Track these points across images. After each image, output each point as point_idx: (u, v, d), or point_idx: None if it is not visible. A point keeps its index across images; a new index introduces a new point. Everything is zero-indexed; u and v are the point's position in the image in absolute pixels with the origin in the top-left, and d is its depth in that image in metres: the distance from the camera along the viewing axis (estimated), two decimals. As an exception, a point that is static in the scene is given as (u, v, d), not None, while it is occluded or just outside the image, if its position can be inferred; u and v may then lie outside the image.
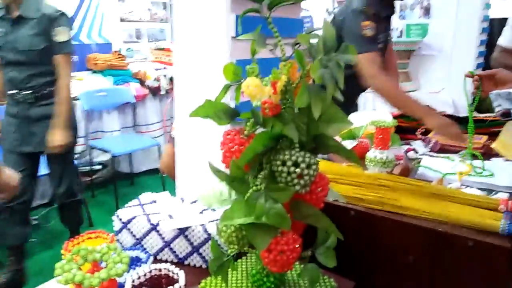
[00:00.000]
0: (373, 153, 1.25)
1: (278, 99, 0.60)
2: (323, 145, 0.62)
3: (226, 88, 0.65)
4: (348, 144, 1.54)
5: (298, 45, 0.60)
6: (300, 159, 0.60)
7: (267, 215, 0.62)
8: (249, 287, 0.83)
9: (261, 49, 0.59)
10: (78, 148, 3.38)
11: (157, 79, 3.82)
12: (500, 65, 2.37)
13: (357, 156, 0.64)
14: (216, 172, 0.65)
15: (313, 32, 0.59)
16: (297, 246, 0.69)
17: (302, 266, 0.78)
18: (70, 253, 0.63)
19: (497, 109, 1.41)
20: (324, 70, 0.55)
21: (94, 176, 3.59)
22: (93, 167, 3.50)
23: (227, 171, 0.67)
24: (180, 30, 1.08)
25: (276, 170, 0.62)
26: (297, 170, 0.60)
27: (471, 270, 0.93)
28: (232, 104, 0.78)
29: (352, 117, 1.93)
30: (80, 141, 3.38)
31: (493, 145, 1.39)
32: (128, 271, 0.78)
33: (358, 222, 1.07)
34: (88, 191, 3.47)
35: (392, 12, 2.00)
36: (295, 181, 0.61)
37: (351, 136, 1.54)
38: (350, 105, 1.93)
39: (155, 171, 3.79)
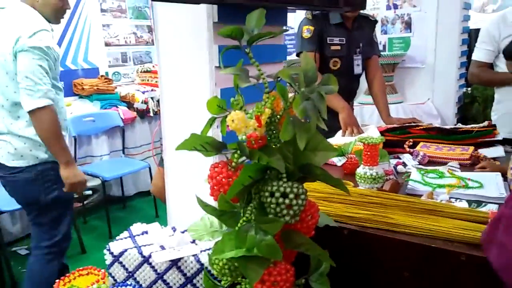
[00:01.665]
0: (362, 170, 1.26)
1: (263, 131, 0.60)
2: (310, 174, 0.63)
3: (211, 121, 0.66)
4: (338, 161, 1.55)
5: (279, 78, 0.61)
6: (288, 189, 0.60)
7: (258, 247, 0.62)
8: (244, 317, 0.82)
9: (244, 84, 0.59)
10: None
11: (145, 101, 3.82)
12: (480, 80, 2.42)
13: (345, 185, 0.65)
14: (205, 206, 0.65)
15: (292, 65, 0.60)
16: (290, 275, 0.68)
17: (296, 293, 0.77)
18: (60, 295, 0.62)
19: None
20: (306, 103, 0.56)
21: (85, 202, 3.55)
22: (84, 192, 3.46)
23: (216, 203, 0.67)
24: (164, 60, 1.09)
25: (265, 201, 0.62)
26: (286, 201, 0.60)
27: (465, 284, 0.93)
28: (219, 134, 0.79)
29: (339, 133, 1.95)
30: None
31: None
32: (120, 309, 0.77)
33: (351, 242, 1.06)
34: (80, 217, 3.43)
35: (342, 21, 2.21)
36: (284, 211, 0.61)
37: (340, 153, 1.55)
38: (336, 120, 1.99)
39: (146, 193, 3.77)
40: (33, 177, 1.89)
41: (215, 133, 0.99)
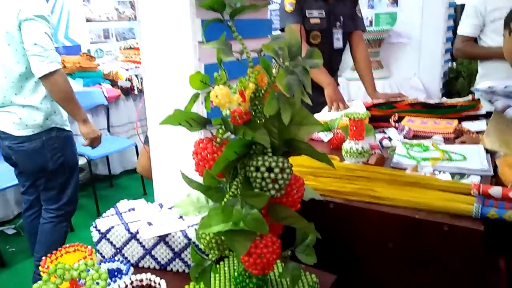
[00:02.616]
0: (348, 145, 1.27)
1: (247, 106, 0.60)
2: (295, 148, 0.63)
3: (195, 97, 0.65)
4: (324, 137, 1.56)
5: (263, 53, 0.60)
6: (273, 164, 0.60)
7: (244, 221, 0.62)
8: (232, 289, 0.84)
9: (227, 58, 0.59)
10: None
11: (129, 79, 3.76)
12: (465, 55, 2.43)
13: (329, 159, 0.65)
14: (190, 182, 0.65)
15: (276, 39, 0.59)
16: (276, 247, 0.69)
17: (283, 265, 0.79)
18: (47, 273, 0.62)
19: (496, 104, 1.38)
20: (290, 77, 0.55)
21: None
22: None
23: (201, 178, 0.67)
24: (146, 35, 1.06)
25: (250, 176, 0.62)
26: (271, 175, 0.61)
27: (448, 253, 0.96)
28: (203, 110, 0.78)
29: (326, 109, 1.96)
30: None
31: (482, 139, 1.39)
32: (109, 284, 0.78)
33: (337, 215, 1.08)
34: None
35: None
36: (270, 185, 0.62)
37: (327, 128, 1.55)
38: (322, 95, 1.99)
39: (133, 171, 3.75)
40: (40, 146, 1.99)
41: (199, 109, 0.98)
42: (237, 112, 0.58)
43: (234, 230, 0.64)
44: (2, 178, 2.60)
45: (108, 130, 3.66)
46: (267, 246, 0.68)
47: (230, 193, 0.66)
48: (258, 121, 0.63)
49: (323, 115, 1.84)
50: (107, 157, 3.62)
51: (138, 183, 3.53)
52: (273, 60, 0.64)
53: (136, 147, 3.48)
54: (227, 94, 0.58)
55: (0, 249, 2.61)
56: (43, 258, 0.84)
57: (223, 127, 0.63)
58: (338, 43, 2.25)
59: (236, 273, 0.84)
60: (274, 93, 0.57)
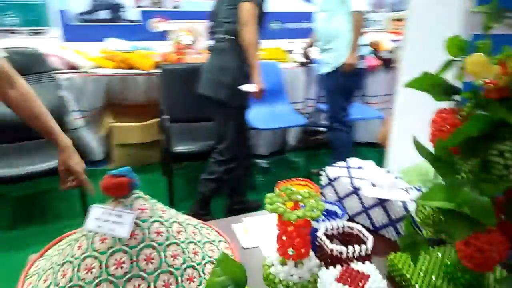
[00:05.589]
0: None
1: (507, 81, 0.53)
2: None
3: (449, 63, 0.61)
4: None
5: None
6: (523, 152, 0.52)
7: (470, 205, 0.57)
8: (439, 276, 0.79)
9: (495, 24, 0.52)
10: (308, 109, 3.70)
11: (392, 51, 3.74)
12: None
13: None
14: (420, 148, 0.64)
15: None
16: (502, 248, 0.61)
17: (504, 272, 0.69)
18: (279, 190, 0.75)
19: None
20: None
21: (317, 137, 3.90)
22: (318, 128, 3.80)
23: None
24: (414, 5, 1.04)
25: (491, 159, 0.56)
26: (517, 164, 0.53)
27: None
28: (455, 83, 0.73)
29: None
30: (310, 102, 3.70)
31: None
32: (323, 220, 0.87)
33: None
34: (311, 150, 3.80)
35: None
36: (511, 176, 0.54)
37: None
38: None
39: (374, 144, 3.79)
40: None
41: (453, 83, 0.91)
42: (493, 84, 0.52)
43: (456, 212, 0.60)
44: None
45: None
46: (491, 243, 0.61)
47: (462, 173, 0.61)
48: (517, 102, 0.54)
49: None
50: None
51: (375, 156, 3.56)
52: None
53: (382, 120, 3.49)
54: (485, 62, 0.52)
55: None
56: (279, 182, 0.99)
57: (472, 101, 0.58)
58: None
59: (448, 262, 0.79)
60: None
